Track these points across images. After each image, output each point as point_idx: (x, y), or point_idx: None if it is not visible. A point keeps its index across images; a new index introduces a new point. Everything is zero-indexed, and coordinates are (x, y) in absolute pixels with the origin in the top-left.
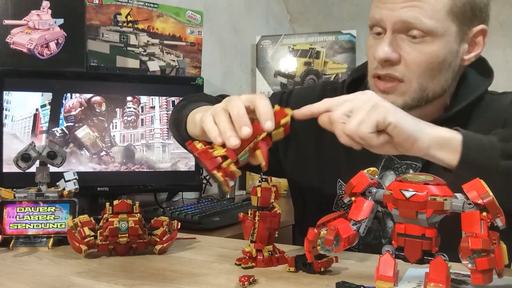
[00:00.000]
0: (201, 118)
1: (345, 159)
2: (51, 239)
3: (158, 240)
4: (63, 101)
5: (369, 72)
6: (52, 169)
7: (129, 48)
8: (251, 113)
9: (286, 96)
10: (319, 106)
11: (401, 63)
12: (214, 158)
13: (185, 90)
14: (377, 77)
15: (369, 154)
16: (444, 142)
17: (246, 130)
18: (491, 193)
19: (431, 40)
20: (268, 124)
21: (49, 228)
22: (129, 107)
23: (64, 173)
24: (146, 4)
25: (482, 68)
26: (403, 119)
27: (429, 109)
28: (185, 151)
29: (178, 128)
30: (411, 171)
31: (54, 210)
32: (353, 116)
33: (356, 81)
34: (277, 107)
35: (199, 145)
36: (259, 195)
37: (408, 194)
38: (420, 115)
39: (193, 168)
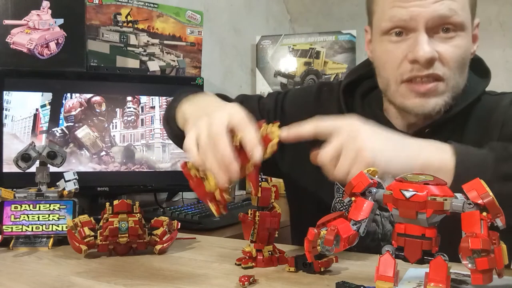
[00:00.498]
0: (186, 135)
1: None
2: (51, 239)
3: (158, 240)
4: (63, 101)
5: (396, 78)
6: (52, 169)
7: (129, 48)
8: (234, 134)
9: (282, 97)
10: (308, 130)
11: (438, 61)
12: (207, 192)
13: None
14: (409, 81)
15: None
16: (435, 170)
17: (234, 176)
18: (491, 193)
19: (463, 34)
20: (256, 155)
21: (49, 228)
22: (129, 107)
23: (64, 173)
24: (146, 4)
25: (479, 68)
26: (391, 161)
27: (445, 105)
28: None
29: (168, 123)
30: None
31: (54, 210)
32: (340, 164)
33: (352, 83)
34: (263, 131)
35: (192, 171)
36: (259, 195)
37: (408, 194)
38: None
39: None
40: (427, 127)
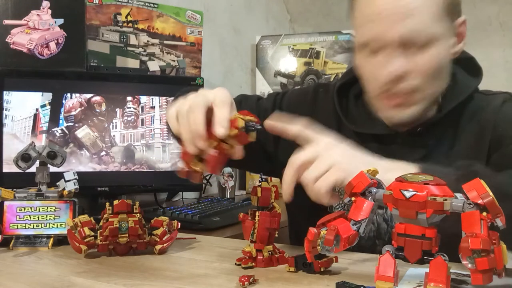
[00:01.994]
0: (167, 114)
1: None
2: (51, 239)
3: (158, 240)
4: (63, 101)
5: (373, 92)
6: (52, 169)
7: (129, 48)
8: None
9: (280, 97)
10: (293, 130)
11: (412, 73)
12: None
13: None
14: (385, 92)
15: None
16: None
17: (200, 144)
18: (491, 193)
19: (434, 44)
20: (216, 130)
21: (49, 228)
22: (129, 107)
23: (64, 173)
24: (146, 4)
25: (470, 67)
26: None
27: (425, 110)
28: None
29: (167, 121)
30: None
31: (54, 210)
32: (311, 170)
33: (346, 85)
34: (236, 115)
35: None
36: (259, 195)
37: (408, 194)
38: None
39: None
40: (419, 126)
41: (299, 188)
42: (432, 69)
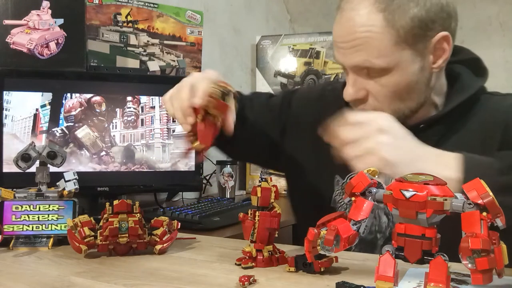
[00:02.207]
0: (163, 99)
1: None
2: (51, 239)
3: (158, 240)
4: (63, 101)
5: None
6: (52, 169)
7: (129, 48)
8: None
9: (290, 94)
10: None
11: (369, 96)
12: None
13: None
14: None
15: None
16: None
17: (189, 119)
18: (491, 193)
19: (396, 70)
20: (194, 100)
21: (49, 228)
22: (129, 107)
23: (64, 173)
24: (146, 4)
25: (476, 67)
26: (398, 172)
27: (420, 114)
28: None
29: None
30: None
31: (54, 210)
32: (356, 146)
33: None
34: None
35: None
36: (259, 195)
37: (408, 194)
38: (412, 119)
39: (193, 168)
40: (421, 123)
41: (303, 181)
42: (387, 95)
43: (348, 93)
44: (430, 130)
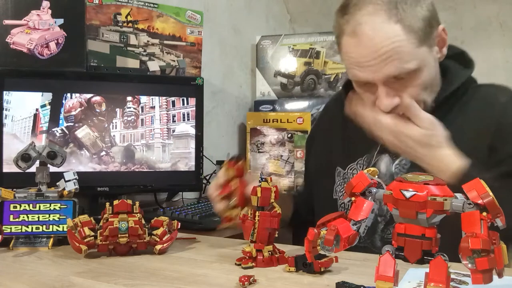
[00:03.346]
0: None
1: (343, 148)
2: (51, 239)
3: (158, 240)
4: (63, 101)
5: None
6: (52, 169)
7: (129, 48)
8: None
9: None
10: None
11: (404, 99)
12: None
13: (185, 90)
14: None
15: (366, 142)
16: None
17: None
18: (491, 193)
19: (419, 71)
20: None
21: (49, 228)
22: (129, 107)
23: (64, 173)
24: (146, 4)
25: (463, 60)
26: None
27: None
28: (185, 151)
29: None
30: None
31: (54, 210)
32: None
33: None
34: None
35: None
36: (259, 195)
37: (408, 194)
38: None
39: (193, 168)
40: None
41: (313, 178)
42: (421, 89)
43: (386, 105)
44: None
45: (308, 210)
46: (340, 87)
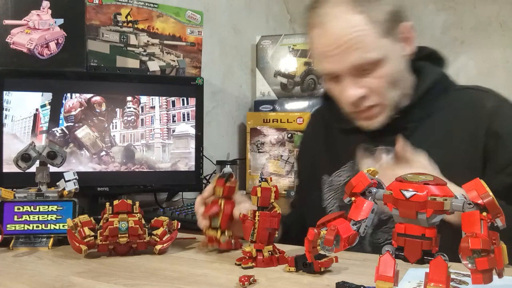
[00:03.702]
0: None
1: (327, 156)
2: (51, 239)
3: (158, 240)
4: (63, 101)
5: (347, 109)
6: (52, 169)
7: (129, 48)
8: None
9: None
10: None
11: (370, 93)
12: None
13: (185, 90)
14: (353, 111)
15: (348, 149)
16: None
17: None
18: (491, 193)
19: (385, 61)
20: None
21: (49, 228)
22: (129, 107)
23: (64, 173)
24: (146, 4)
25: (434, 58)
26: None
27: (401, 101)
28: (185, 151)
29: None
30: (383, 155)
31: (54, 210)
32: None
33: None
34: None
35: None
36: (259, 195)
37: (408, 194)
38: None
39: (193, 168)
40: (395, 114)
41: (301, 188)
42: (386, 84)
43: (350, 94)
44: (405, 118)
45: (298, 229)
46: (320, 97)
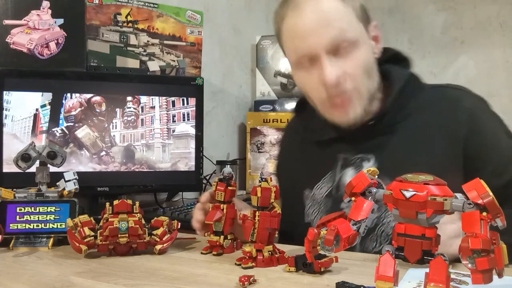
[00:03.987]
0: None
1: (306, 170)
2: (51, 239)
3: (158, 240)
4: (63, 101)
5: (319, 103)
6: (52, 169)
7: (129, 48)
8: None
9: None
10: None
11: (345, 77)
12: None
13: (185, 90)
14: (327, 100)
15: (326, 160)
16: None
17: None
18: (491, 193)
19: (358, 47)
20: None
21: (49, 228)
22: (129, 107)
23: (64, 173)
24: (146, 4)
25: (398, 59)
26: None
27: (373, 105)
28: (185, 151)
29: None
30: (365, 164)
31: (54, 210)
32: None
33: (302, 101)
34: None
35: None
36: (259, 195)
37: (408, 194)
38: (367, 113)
39: (193, 168)
40: (370, 120)
41: (284, 200)
42: (361, 69)
43: (330, 72)
44: (380, 123)
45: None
46: (293, 110)
